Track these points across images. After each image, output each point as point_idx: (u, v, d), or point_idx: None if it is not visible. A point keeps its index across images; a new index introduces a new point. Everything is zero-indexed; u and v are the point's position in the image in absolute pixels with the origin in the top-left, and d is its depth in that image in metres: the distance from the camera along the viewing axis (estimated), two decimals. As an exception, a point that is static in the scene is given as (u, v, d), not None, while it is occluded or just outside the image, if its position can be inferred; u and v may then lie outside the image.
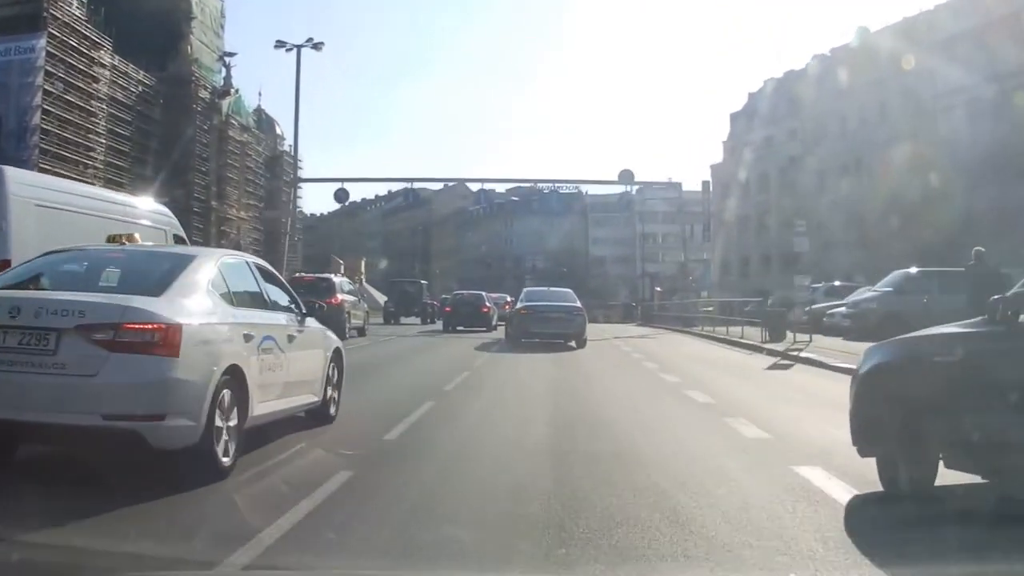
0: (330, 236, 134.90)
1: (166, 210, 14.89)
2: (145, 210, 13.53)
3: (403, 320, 38.39)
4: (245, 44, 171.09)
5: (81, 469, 5.54)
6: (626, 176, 32.11)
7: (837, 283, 26.40)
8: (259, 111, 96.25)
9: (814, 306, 20.54)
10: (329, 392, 8.13)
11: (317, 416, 7.88)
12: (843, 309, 19.93)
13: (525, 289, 24.06)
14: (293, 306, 7.71)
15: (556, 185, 33.28)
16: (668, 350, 20.79)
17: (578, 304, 21.24)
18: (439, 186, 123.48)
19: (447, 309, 31.05)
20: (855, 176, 39.43)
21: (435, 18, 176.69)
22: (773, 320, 18.91)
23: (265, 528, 4.35)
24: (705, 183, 54.97)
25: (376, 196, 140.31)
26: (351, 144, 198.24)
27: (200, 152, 68.33)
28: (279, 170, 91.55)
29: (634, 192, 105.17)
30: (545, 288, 25.84)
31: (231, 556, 3.86)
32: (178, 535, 4.39)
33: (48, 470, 5.78)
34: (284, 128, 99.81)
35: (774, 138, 49.94)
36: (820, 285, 26.22)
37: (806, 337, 17.68)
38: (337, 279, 25.67)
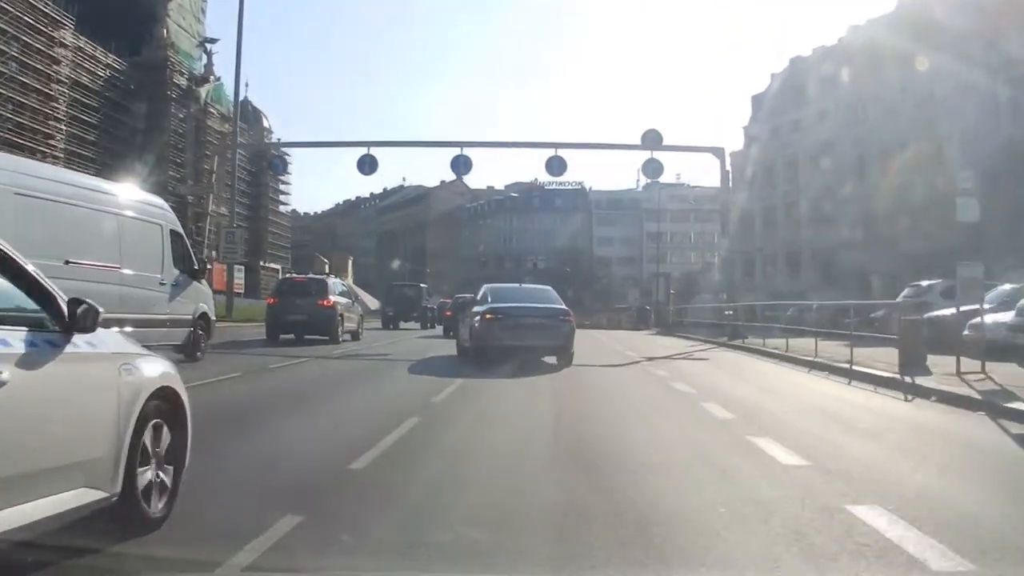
0: (324, 235, 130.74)
1: (163, 203, 14.42)
2: (139, 203, 13.09)
3: (402, 325, 36.53)
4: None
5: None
6: (652, 139, 26.27)
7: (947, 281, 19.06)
8: (245, 103, 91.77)
9: (936, 313, 14.49)
10: (147, 478, 3.96)
11: (119, 519, 3.84)
12: (1011, 319, 12.97)
13: (487, 287, 16.79)
14: (42, 312, 3.59)
15: (558, 152, 24.90)
16: (754, 389, 12.04)
17: (563, 306, 15.75)
18: (435, 182, 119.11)
19: (448, 313, 28.63)
20: (901, 161, 34.33)
21: (438, 19, 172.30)
22: (912, 336, 12.02)
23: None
24: (724, 173, 50.08)
25: (371, 194, 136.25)
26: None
27: (175, 142, 63.52)
28: (266, 164, 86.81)
29: (640, 188, 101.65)
30: (515, 285, 19.32)
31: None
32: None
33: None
34: (272, 121, 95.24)
35: (802, 121, 44.74)
36: (933, 283, 20.26)
37: (972, 367, 10.57)
38: (331, 280, 23.94)
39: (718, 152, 28.95)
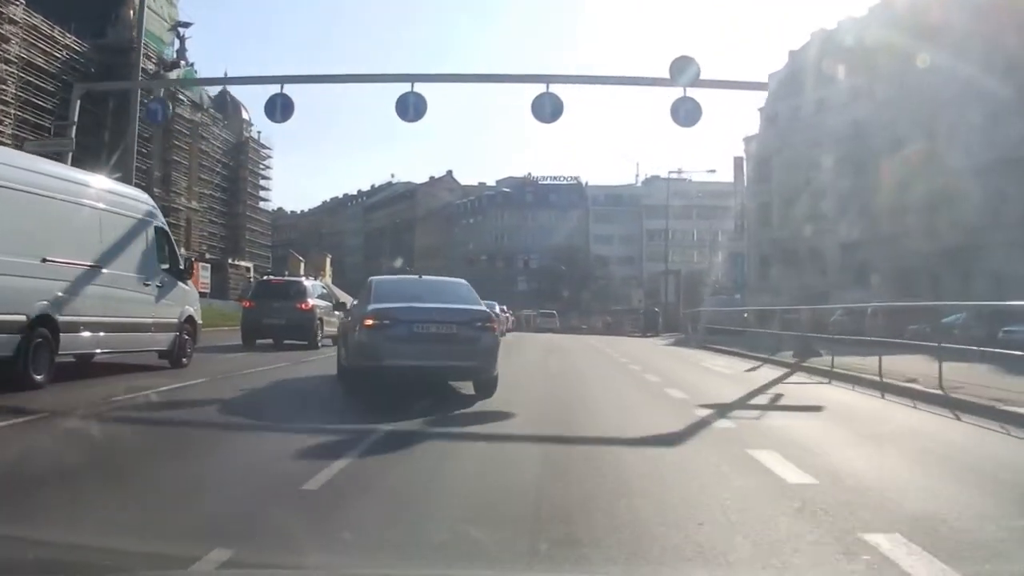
0: (309, 233, 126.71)
1: (148, 198, 13.86)
2: (123, 197, 12.59)
3: None
4: (228, 29, 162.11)
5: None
6: (681, 69, 17.06)
7: None
8: (223, 93, 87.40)
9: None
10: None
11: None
12: None
13: (373, 280, 11.88)
14: None
15: (550, 88, 16.00)
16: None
17: (480, 307, 10.91)
18: (424, 178, 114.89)
19: None
20: (946, 144, 30.00)
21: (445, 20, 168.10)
22: None
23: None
24: (737, 160, 45.85)
25: (359, 191, 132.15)
26: (358, 145, 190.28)
27: (141, 131, 58.95)
28: (244, 158, 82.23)
29: (639, 184, 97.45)
30: (414, 277, 13.64)
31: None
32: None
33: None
34: (253, 113, 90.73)
35: (827, 100, 40.30)
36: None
37: None
38: (309, 282, 23.41)
39: (763, 86, 23.80)
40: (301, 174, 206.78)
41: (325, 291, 22.99)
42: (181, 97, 64.20)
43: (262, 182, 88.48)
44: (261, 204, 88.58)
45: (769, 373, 15.42)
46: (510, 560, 3.92)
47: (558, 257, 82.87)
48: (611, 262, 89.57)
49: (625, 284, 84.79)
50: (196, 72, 67.72)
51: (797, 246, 42.54)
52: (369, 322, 9.96)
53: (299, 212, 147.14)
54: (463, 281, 12.32)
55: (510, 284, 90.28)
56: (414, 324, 9.90)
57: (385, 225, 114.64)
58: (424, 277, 12.95)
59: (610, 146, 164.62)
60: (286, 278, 26.42)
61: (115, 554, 3.77)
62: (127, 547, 3.85)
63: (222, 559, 3.56)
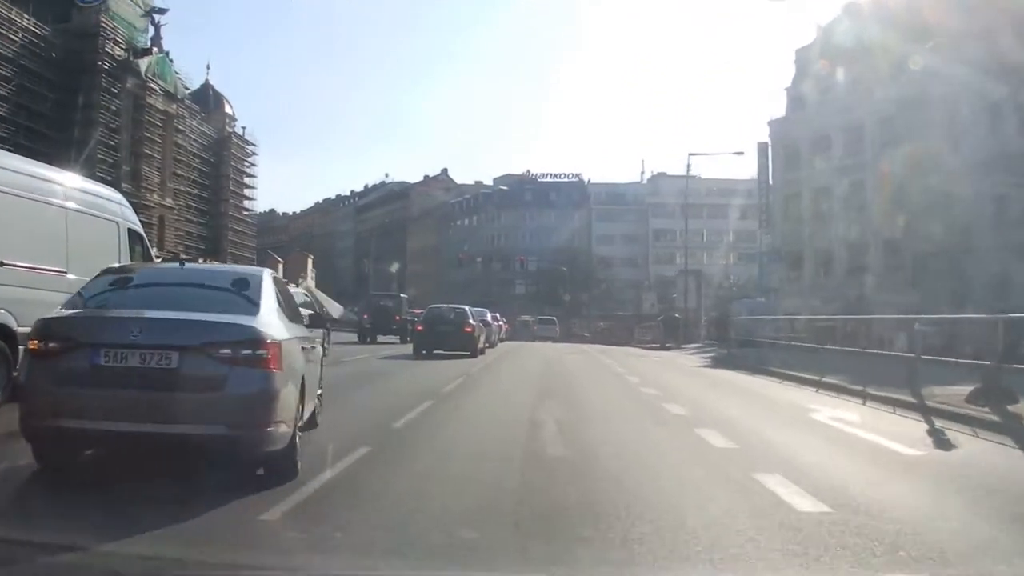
0: (300, 235, 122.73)
1: (120, 197, 12.80)
2: (91, 195, 11.49)
3: (380, 339, 33.24)
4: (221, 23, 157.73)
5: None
6: None
7: None
8: (206, 86, 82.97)
9: None
10: None
11: None
12: None
13: (104, 272, 6.99)
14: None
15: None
16: None
17: (256, 320, 5.81)
18: (418, 177, 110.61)
19: (419, 328, 24.70)
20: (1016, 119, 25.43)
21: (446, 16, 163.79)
22: None
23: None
24: (761, 146, 41.14)
25: (352, 192, 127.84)
26: (354, 146, 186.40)
27: (107, 121, 54.39)
28: (226, 154, 77.60)
29: (645, 182, 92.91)
30: (171, 266, 8.52)
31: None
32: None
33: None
34: (237, 108, 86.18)
35: (863, 77, 35.24)
36: None
37: None
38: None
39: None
40: (295, 176, 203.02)
41: (307, 297, 19.05)
42: (154, 87, 59.66)
43: (247, 180, 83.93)
44: (246, 203, 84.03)
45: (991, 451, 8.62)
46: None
47: (558, 259, 78.24)
48: (615, 264, 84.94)
49: (629, 288, 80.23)
50: (171, 61, 63.24)
51: (831, 244, 37.77)
52: (33, 344, 5.56)
53: (291, 214, 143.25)
54: (262, 272, 6.90)
55: (507, 287, 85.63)
56: (102, 350, 5.38)
57: (377, 226, 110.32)
58: (191, 266, 8.59)
59: (614, 142, 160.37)
60: None
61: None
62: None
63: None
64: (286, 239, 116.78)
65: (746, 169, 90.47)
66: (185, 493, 5.06)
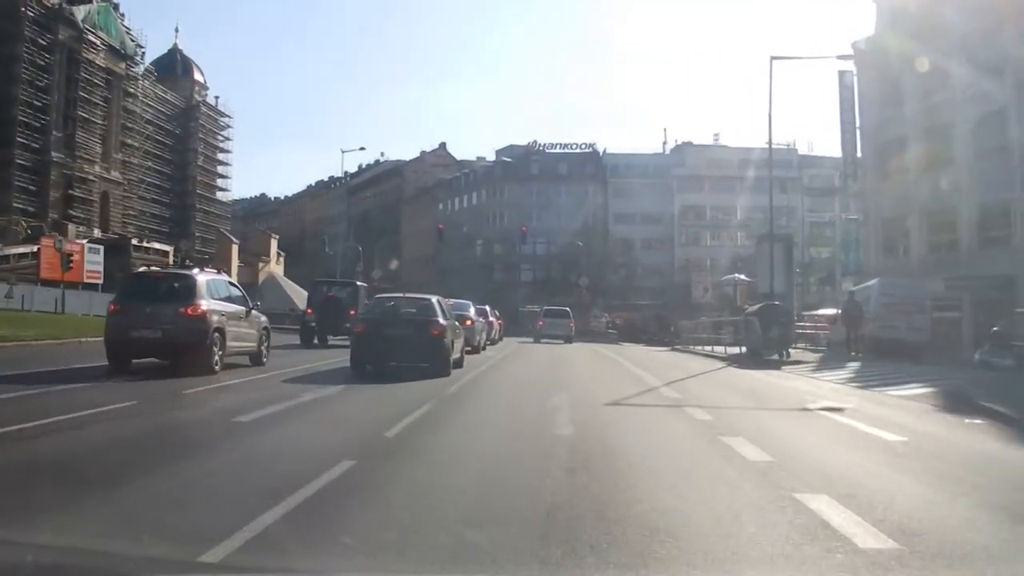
0: (292, 221, 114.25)
1: None
2: None
3: (331, 340, 26.84)
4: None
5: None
6: None
7: None
8: (173, 51, 73.93)
9: None
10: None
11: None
12: None
13: None
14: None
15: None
16: None
17: None
18: (415, 153, 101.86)
19: (359, 329, 16.42)
20: None
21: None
22: None
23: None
24: (844, 76, 31.44)
25: (345, 173, 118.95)
26: (348, 129, 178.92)
27: (33, 78, 45.51)
28: (195, 125, 68.70)
29: (668, 153, 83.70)
30: None
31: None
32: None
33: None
34: (209, 76, 77.07)
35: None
36: None
37: None
38: (204, 276, 15.79)
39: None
40: (288, 159, 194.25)
41: (240, 292, 17.01)
42: (94, 40, 50.72)
43: (220, 156, 75.00)
44: (219, 181, 75.16)
45: None
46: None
47: (570, 241, 69.02)
48: (636, 246, 75.73)
49: (653, 274, 71.27)
50: (115, 10, 54.09)
51: (955, 206, 27.89)
52: None
53: (282, 198, 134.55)
54: None
55: (511, 273, 76.63)
56: None
57: (370, 208, 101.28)
58: None
59: (631, 108, 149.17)
60: (168, 270, 22.67)
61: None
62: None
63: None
64: (277, 224, 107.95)
65: (784, 135, 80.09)
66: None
